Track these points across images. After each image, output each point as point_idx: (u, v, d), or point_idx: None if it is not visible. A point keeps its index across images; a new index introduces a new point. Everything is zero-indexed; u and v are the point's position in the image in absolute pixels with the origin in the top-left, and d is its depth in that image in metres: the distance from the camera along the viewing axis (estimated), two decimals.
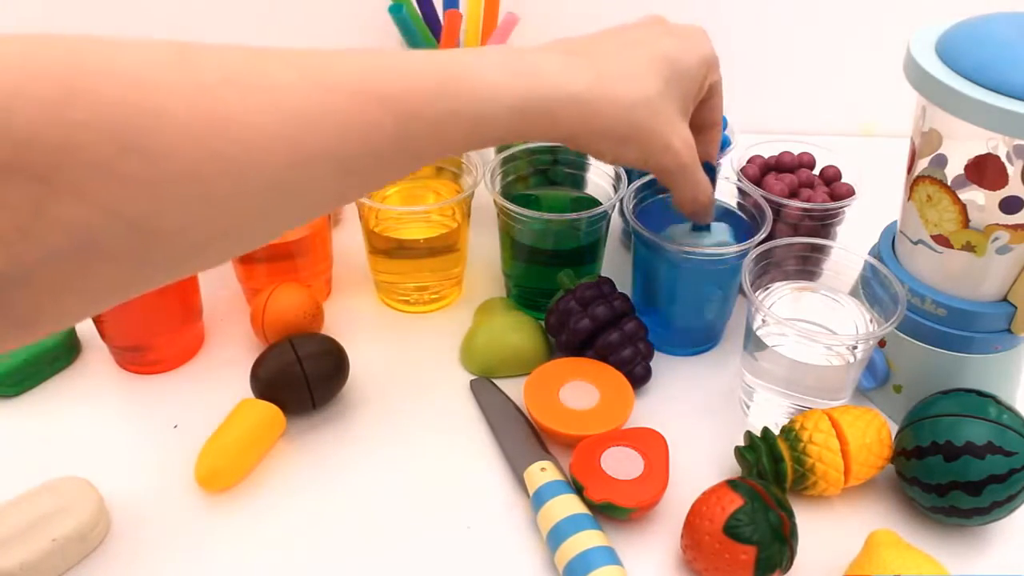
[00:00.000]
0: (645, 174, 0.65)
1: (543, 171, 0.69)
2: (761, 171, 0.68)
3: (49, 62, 0.26)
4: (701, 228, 0.58)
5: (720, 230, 0.60)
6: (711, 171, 0.52)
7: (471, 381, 0.62)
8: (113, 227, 0.28)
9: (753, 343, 0.56)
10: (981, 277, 0.53)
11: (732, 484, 0.48)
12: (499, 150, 0.72)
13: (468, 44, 0.80)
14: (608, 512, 0.51)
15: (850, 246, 0.59)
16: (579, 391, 0.58)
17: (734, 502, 0.47)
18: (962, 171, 0.51)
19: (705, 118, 0.50)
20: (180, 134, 0.28)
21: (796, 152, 0.69)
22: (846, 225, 0.67)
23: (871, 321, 0.57)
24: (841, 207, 0.64)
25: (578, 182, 0.69)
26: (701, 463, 0.56)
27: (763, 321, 0.56)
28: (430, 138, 0.36)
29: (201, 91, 0.29)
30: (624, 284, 0.65)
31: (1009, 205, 0.50)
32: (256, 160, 0.30)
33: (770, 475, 0.52)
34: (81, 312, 0.31)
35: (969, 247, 0.52)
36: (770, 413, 0.58)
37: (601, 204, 0.63)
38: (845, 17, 0.88)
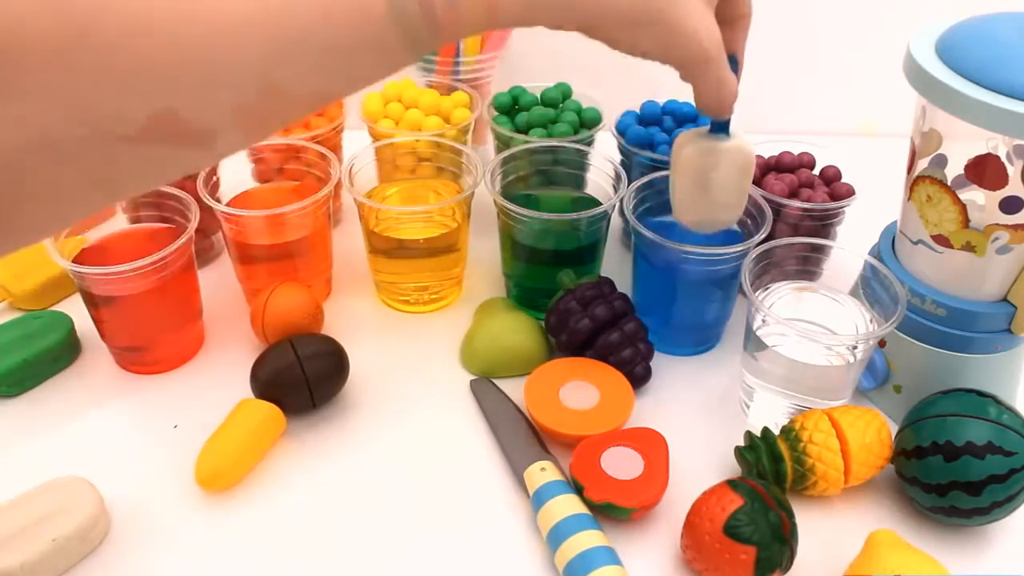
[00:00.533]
0: (645, 174, 0.65)
1: (543, 171, 0.69)
2: (761, 171, 0.68)
3: None
4: (721, 130, 0.51)
5: (737, 137, 0.52)
6: (734, 65, 0.47)
7: (471, 381, 0.62)
8: (70, 124, 0.25)
9: (753, 343, 0.56)
10: (981, 277, 0.53)
11: (732, 484, 0.48)
12: (499, 150, 0.73)
13: (468, 44, 0.80)
14: (608, 512, 0.51)
15: (850, 246, 0.59)
16: (579, 391, 0.58)
17: (734, 502, 0.47)
18: (962, 171, 0.51)
19: (734, 9, 0.45)
20: (138, 19, 0.26)
21: (796, 152, 0.69)
22: (846, 225, 0.67)
23: (871, 321, 0.57)
24: (841, 207, 0.64)
25: (578, 182, 0.69)
26: (701, 463, 0.56)
27: (763, 321, 0.56)
28: (428, 16, 0.32)
29: None
30: (624, 284, 0.65)
31: (1009, 205, 0.50)
32: (227, 48, 0.27)
33: (770, 475, 0.52)
34: (45, 223, 0.29)
35: (969, 247, 0.52)
36: (770, 413, 0.58)
37: (601, 204, 0.63)
38: (845, 17, 0.88)
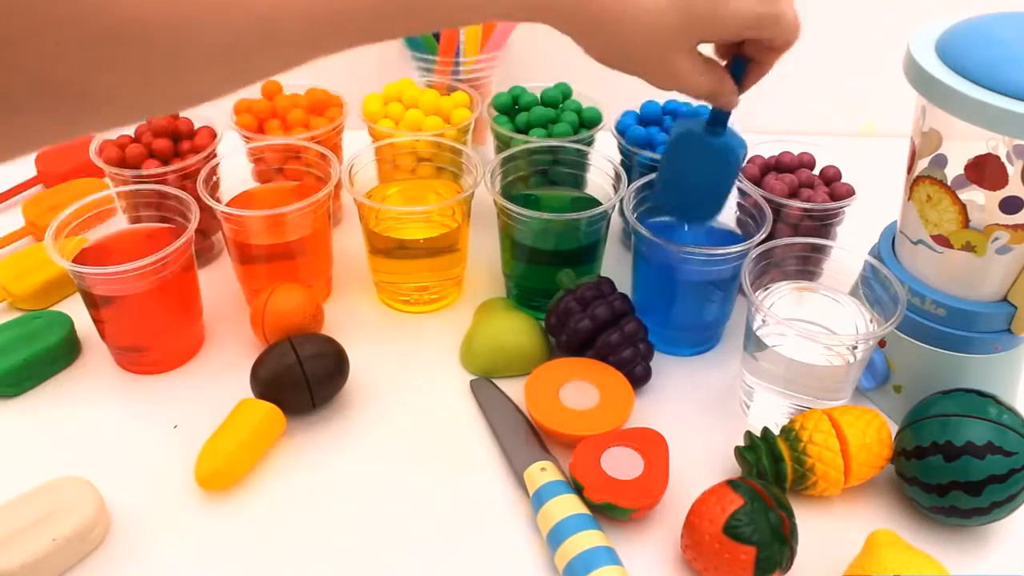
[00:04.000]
0: (645, 174, 0.65)
1: (543, 171, 0.69)
2: (761, 171, 0.68)
3: None
4: (718, 122, 0.53)
5: (735, 136, 0.55)
6: (740, 66, 0.50)
7: (471, 381, 0.62)
8: (31, 91, 0.26)
9: (753, 343, 0.56)
10: (981, 277, 0.53)
11: (732, 484, 0.48)
12: (499, 150, 0.73)
13: (468, 44, 0.80)
14: (608, 512, 0.51)
15: (850, 246, 0.59)
16: (579, 391, 0.58)
17: (734, 502, 0.47)
18: (962, 171, 0.51)
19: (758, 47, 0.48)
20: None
21: (796, 152, 0.69)
22: (846, 225, 0.67)
23: (871, 321, 0.57)
24: (841, 207, 0.64)
25: (578, 182, 0.69)
26: (701, 463, 0.56)
27: (763, 321, 0.56)
28: None
29: None
30: (624, 284, 0.65)
31: (1009, 205, 0.50)
32: (201, 16, 0.28)
33: (770, 475, 0.52)
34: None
35: (969, 247, 0.52)
36: (770, 413, 0.58)
37: (601, 204, 0.63)
38: (846, 17, 0.88)
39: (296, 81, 0.77)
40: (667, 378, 0.63)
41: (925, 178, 0.52)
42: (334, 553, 0.51)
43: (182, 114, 0.72)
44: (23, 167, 0.83)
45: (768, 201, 0.62)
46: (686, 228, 0.63)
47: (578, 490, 0.51)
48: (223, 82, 0.33)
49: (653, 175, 0.64)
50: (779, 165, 0.69)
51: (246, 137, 0.72)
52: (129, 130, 0.71)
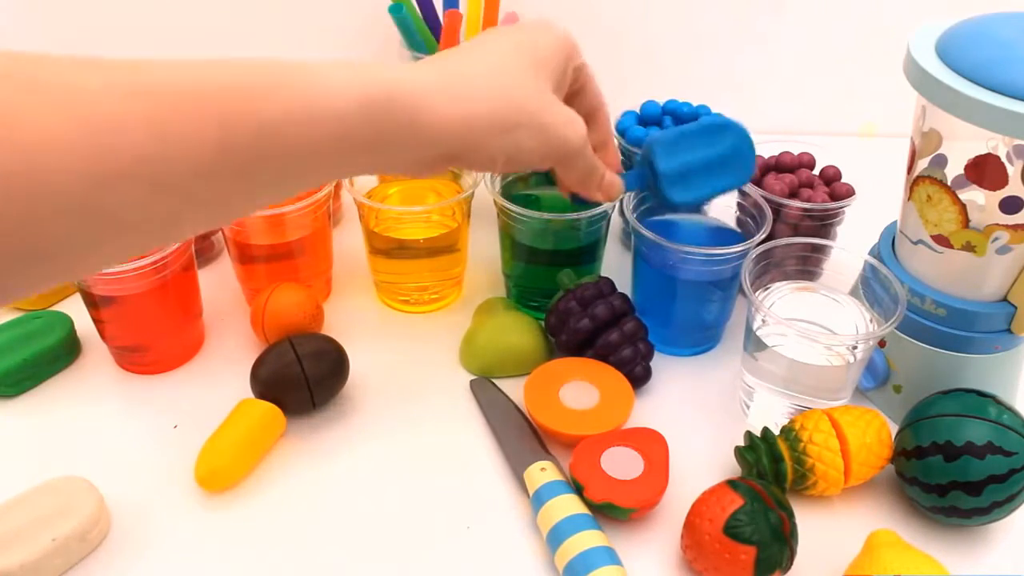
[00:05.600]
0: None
1: (543, 171, 0.69)
2: (761, 171, 0.68)
3: None
4: (581, 203, 0.51)
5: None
6: (639, 178, 0.49)
7: (471, 381, 0.62)
8: None
9: (753, 343, 0.56)
10: (981, 277, 0.53)
11: (732, 484, 0.48)
12: None
13: None
14: (608, 512, 0.51)
15: (850, 246, 0.59)
16: (579, 391, 0.58)
17: (734, 502, 0.47)
18: (962, 171, 0.51)
19: (588, 104, 0.47)
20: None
21: (796, 152, 0.69)
22: (846, 225, 0.67)
23: (871, 321, 0.57)
24: (841, 207, 0.64)
25: None
26: (701, 463, 0.56)
27: (763, 321, 0.56)
28: (261, 149, 0.30)
29: None
30: (624, 284, 0.65)
31: (1009, 205, 0.50)
32: (49, 174, 0.25)
33: (770, 475, 0.52)
34: None
35: (969, 247, 0.52)
36: (770, 413, 0.58)
37: (601, 204, 0.63)
38: (845, 17, 0.88)
39: None
40: (667, 378, 0.63)
41: (925, 178, 0.52)
42: (334, 553, 0.51)
43: None
44: None
45: (768, 201, 0.62)
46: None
47: (578, 490, 0.51)
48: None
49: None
50: (779, 165, 0.69)
51: None
52: None
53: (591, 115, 0.47)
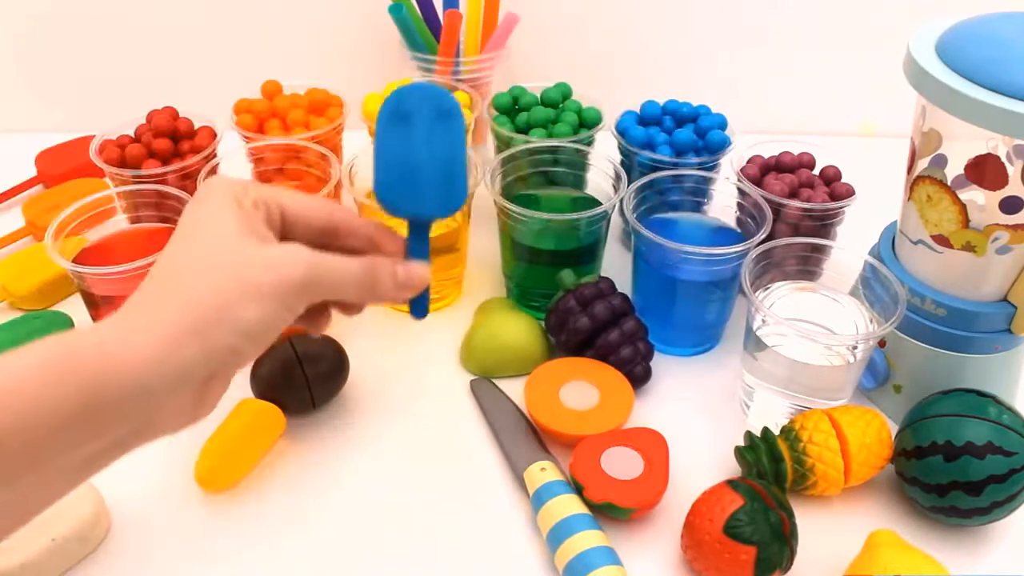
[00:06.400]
0: (645, 174, 0.65)
1: (543, 171, 0.69)
2: (761, 171, 0.68)
3: None
4: (420, 312, 0.45)
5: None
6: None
7: (471, 381, 0.62)
8: None
9: (753, 343, 0.56)
10: (981, 277, 0.53)
11: (732, 484, 0.48)
12: (499, 150, 0.72)
13: (468, 44, 0.80)
14: (608, 512, 0.51)
15: (850, 246, 0.59)
16: (579, 391, 0.58)
17: (734, 502, 0.47)
18: (962, 171, 0.51)
19: (309, 219, 0.40)
20: None
21: (796, 152, 0.69)
22: (846, 225, 0.67)
23: (871, 321, 0.57)
24: (841, 207, 0.64)
25: (578, 182, 0.69)
26: (701, 463, 0.56)
27: (763, 321, 0.56)
28: None
29: None
30: (624, 284, 0.65)
31: (1009, 205, 0.50)
32: None
33: (770, 475, 0.52)
34: None
35: (969, 247, 0.52)
36: (770, 413, 0.58)
37: (601, 204, 0.63)
38: (845, 17, 0.88)
39: (296, 81, 0.77)
40: (667, 378, 0.63)
41: (925, 178, 0.52)
42: (334, 553, 0.51)
43: (182, 113, 0.72)
44: (23, 167, 0.83)
45: (768, 201, 0.62)
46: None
47: (578, 490, 0.51)
48: None
49: (653, 175, 0.64)
50: (779, 165, 0.69)
51: (246, 137, 0.72)
52: (129, 130, 0.72)
53: (329, 229, 0.41)
